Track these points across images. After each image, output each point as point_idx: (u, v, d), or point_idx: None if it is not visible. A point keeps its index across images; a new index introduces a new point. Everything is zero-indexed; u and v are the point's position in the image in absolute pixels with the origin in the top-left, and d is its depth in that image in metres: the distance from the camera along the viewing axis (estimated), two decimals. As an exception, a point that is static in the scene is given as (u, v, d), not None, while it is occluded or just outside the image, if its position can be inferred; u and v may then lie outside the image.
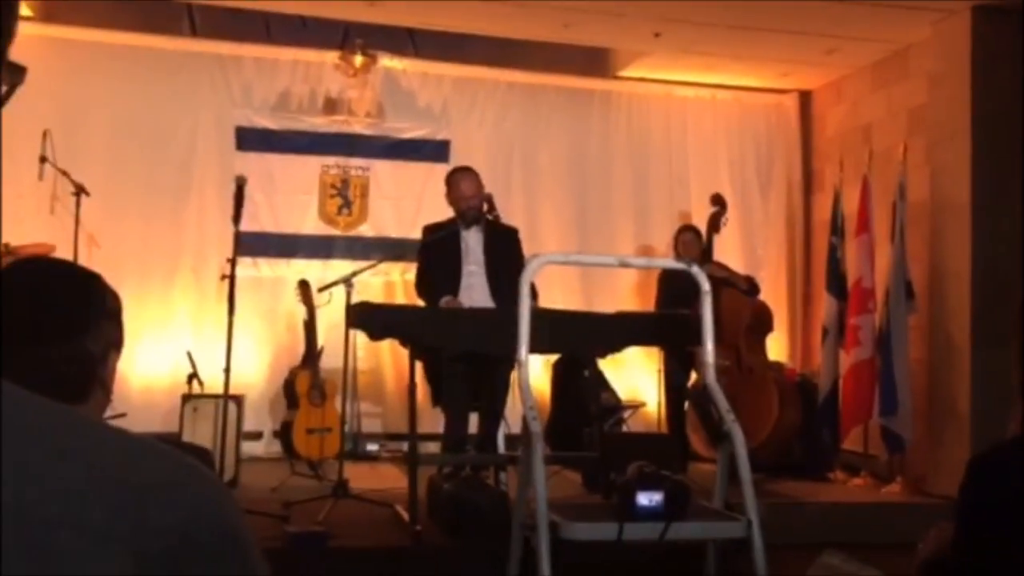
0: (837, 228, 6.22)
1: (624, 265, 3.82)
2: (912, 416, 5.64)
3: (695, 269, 3.19)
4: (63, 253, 5.38)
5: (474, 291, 4.92)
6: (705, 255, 5.94)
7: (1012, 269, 5.18)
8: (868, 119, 6.83)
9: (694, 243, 6.10)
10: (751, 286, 6.14)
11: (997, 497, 1.46)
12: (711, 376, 3.15)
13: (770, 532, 3.00)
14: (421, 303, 5.05)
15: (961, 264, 5.57)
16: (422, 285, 5.07)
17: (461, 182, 5.04)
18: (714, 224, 5.98)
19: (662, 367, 6.32)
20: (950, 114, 5.73)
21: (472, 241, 5.02)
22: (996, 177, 5.51)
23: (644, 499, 2.70)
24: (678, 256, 6.26)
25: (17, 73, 0.64)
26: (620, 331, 4.47)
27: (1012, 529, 1.42)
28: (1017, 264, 5.15)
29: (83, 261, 5.63)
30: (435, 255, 5.03)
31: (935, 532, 1.82)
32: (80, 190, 5.75)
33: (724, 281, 5.96)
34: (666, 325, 4.89)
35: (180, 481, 1.01)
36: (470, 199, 4.98)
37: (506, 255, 4.93)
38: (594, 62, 7.32)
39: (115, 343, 1.23)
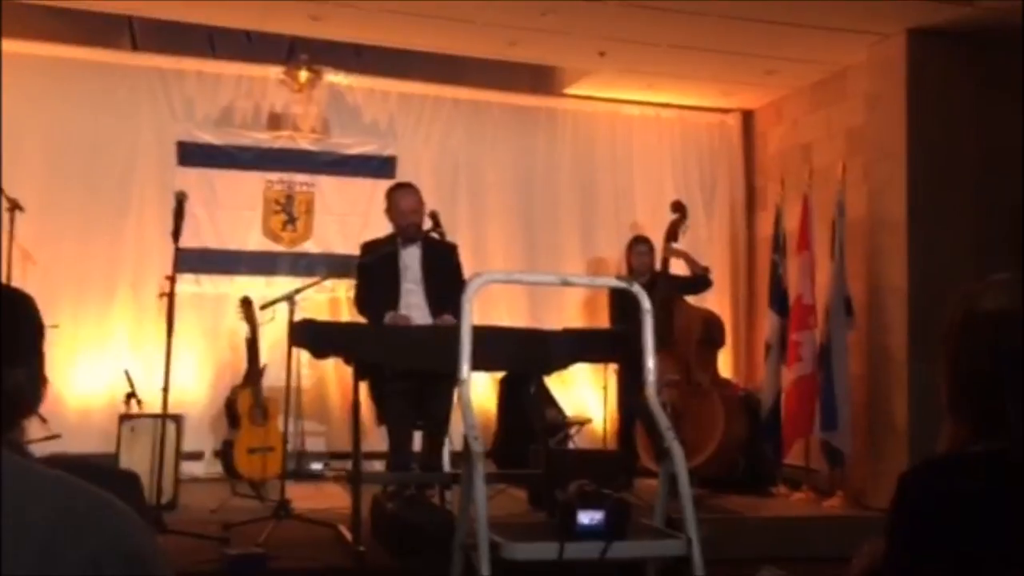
0: (779, 245, 6.31)
1: (566, 284, 3.82)
2: (851, 430, 5.73)
3: (636, 288, 3.21)
4: (-4, 270, 5.25)
5: (413, 309, 4.90)
6: (663, 265, 6.01)
7: (948, 284, 5.29)
8: (808, 138, 6.95)
9: (647, 255, 6.21)
10: (705, 276, 6.28)
11: (926, 513, 1.47)
12: (652, 394, 3.17)
13: (712, 547, 3.02)
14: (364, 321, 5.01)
15: (898, 280, 5.68)
16: (361, 303, 5.04)
17: (401, 198, 5.02)
18: (672, 232, 6.04)
19: (607, 384, 6.34)
20: (886, 134, 5.86)
21: (410, 259, 4.99)
22: (931, 194, 5.65)
23: (585, 518, 2.71)
24: (631, 269, 6.33)
25: None
26: (565, 348, 4.47)
27: (940, 545, 1.44)
28: (953, 279, 5.27)
29: (18, 278, 5.50)
30: (373, 273, 4.99)
31: (868, 547, 1.83)
32: (15, 206, 5.62)
33: (681, 285, 6.07)
34: (611, 341, 4.90)
35: (89, 514, 1.00)
36: (409, 215, 4.96)
37: (444, 271, 4.92)
38: (540, 80, 7.36)
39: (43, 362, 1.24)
